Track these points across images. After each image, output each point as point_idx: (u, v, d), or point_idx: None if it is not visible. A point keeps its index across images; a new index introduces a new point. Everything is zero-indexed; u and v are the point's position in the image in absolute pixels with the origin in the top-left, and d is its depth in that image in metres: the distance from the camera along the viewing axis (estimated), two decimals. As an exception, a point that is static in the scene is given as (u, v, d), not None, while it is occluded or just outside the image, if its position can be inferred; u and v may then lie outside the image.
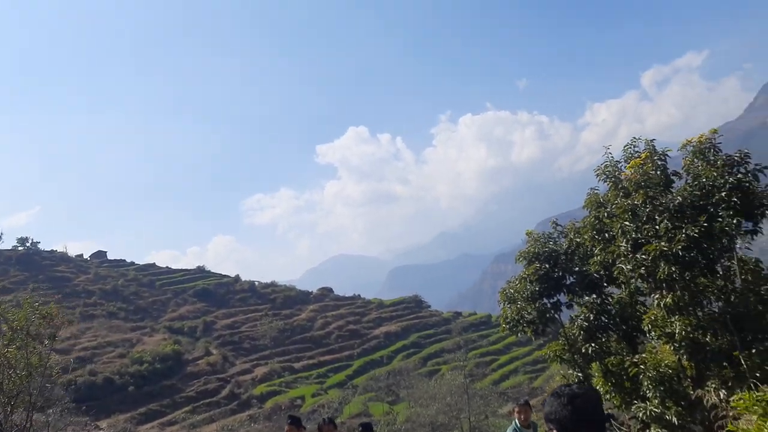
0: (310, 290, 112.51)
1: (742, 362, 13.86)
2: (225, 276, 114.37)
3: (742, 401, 9.32)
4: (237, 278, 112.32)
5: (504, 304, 17.81)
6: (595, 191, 17.28)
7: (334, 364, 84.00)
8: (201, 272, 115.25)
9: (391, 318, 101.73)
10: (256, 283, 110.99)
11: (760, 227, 15.91)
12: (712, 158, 15.43)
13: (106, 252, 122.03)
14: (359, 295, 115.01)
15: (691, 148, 15.82)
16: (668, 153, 16.12)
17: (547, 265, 17.19)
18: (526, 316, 17.16)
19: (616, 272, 15.14)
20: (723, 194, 14.92)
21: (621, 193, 15.73)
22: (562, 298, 17.71)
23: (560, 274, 17.33)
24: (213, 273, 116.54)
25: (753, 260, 16.00)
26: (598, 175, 16.65)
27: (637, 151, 16.40)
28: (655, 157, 15.79)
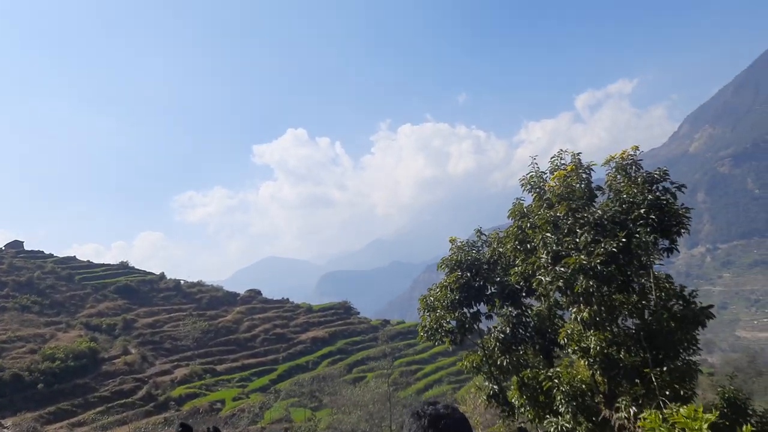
0: (238, 292, 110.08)
1: (653, 380, 13.87)
2: (149, 273, 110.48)
3: (648, 420, 9.11)
4: (162, 276, 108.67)
5: (423, 312, 17.39)
6: (521, 201, 17.13)
7: (258, 367, 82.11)
8: (124, 268, 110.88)
9: (319, 323, 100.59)
10: (182, 281, 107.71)
11: (675, 246, 16.08)
12: (634, 174, 15.51)
13: (22, 242, 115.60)
14: (288, 299, 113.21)
15: (615, 163, 15.86)
16: (593, 167, 16.10)
17: (468, 274, 16.88)
18: (445, 325, 16.80)
19: (535, 284, 14.93)
20: (642, 211, 14.98)
21: (545, 205, 15.59)
22: (483, 308, 17.45)
23: (482, 283, 17.06)
24: (137, 270, 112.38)
25: (665, 277, 16.14)
26: (523, 186, 16.48)
27: (564, 164, 16.33)
28: (580, 170, 15.74)
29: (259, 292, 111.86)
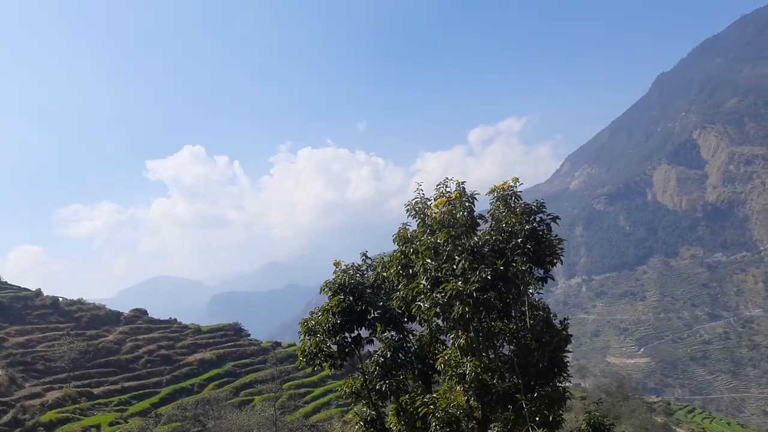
0: (122, 311, 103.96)
1: (524, 405, 14.27)
2: (24, 289, 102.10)
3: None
4: (38, 292, 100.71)
5: (303, 336, 17.04)
6: (407, 227, 17.27)
7: (139, 390, 77.62)
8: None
9: (207, 345, 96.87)
10: (61, 299, 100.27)
11: (550, 275, 16.78)
12: (513, 205, 16.08)
13: None
14: (176, 319, 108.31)
15: (497, 193, 16.38)
16: (476, 196, 16.51)
17: (351, 298, 16.74)
18: (325, 349, 16.53)
19: (414, 309, 15.03)
20: (519, 240, 15.52)
21: (427, 231, 15.79)
22: (365, 332, 17.34)
23: (364, 307, 16.97)
24: (10, 285, 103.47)
25: (542, 305, 16.76)
26: (408, 211, 16.63)
27: (448, 191, 16.65)
28: (464, 199, 16.08)
29: (144, 312, 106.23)
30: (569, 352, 16.14)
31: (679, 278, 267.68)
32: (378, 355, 16.43)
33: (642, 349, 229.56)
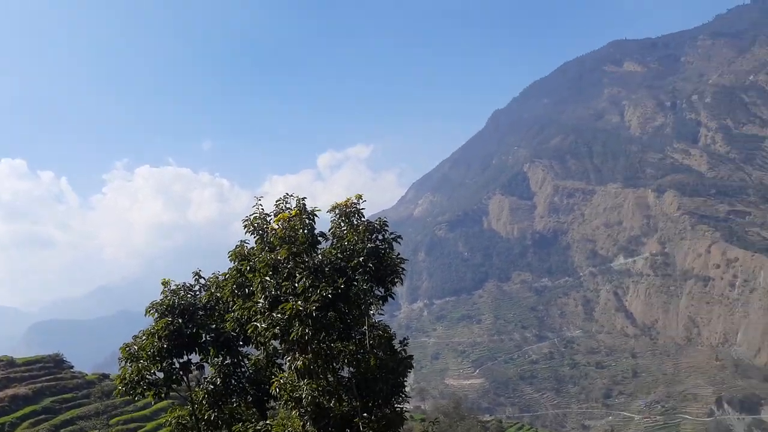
0: None
1: (361, 428, 13.82)
2: None
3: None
4: None
5: (124, 363, 15.36)
6: (245, 243, 16.34)
7: (-73, 436, 67.28)
8: None
9: (22, 379, 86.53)
10: None
11: (391, 294, 16.61)
12: (356, 222, 15.76)
13: None
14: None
15: (339, 211, 15.97)
16: (317, 213, 16.01)
17: (180, 320, 15.41)
18: (149, 376, 14.99)
19: (250, 331, 14.09)
20: (361, 259, 15.19)
21: (267, 247, 14.99)
22: (195, 357, 16.03)
23: (195, 330, 15.69)
24: None
25: (382, 326, 16.52)
26: (246, 227, 15.72)
27: (289, 208, 16.00)
28: (304, 215, 15.50)
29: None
30: (408, 372, 16.02)
31: (511, 302, 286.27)
32: (208, 381, 15.19)
33: (477, 371, 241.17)
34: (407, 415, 16.97)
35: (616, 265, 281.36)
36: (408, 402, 16.90)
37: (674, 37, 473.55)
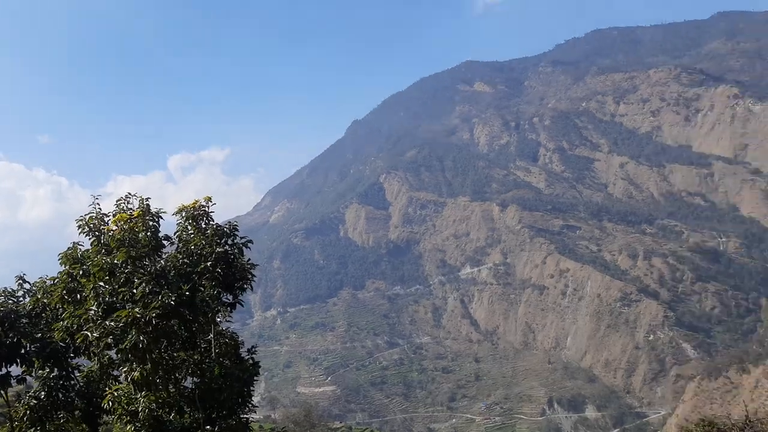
0: None
1: (203, 441, 13.23)
2: None
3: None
4: None
5: (-73, 378, 13.54)
6: (79, 245, 15.06)
7: None
8: None
9: None
10: None
11: (240, 301, 16.13)
12: (204, 226, 15.15)
13: None
14: None
15: (186, 213, 15.27)
16: (163, 215, 15.18)
17: (0, 329, 13.87)
18: (-44, 393, 13.34)
19: (80, 340, 12.99)
20: (209, 264, 14.62)
21: (103, 250, 13.93)
22: (16, 369, 14.50)
23: (17, 340, 14.19)
24: None
25: (230, 334, 16.00)
26: (80, 227, 14.51)
27: (131, 209, 15.02)
28: (148, 217, 14.62)
29: None
30: (255, 381, 15.61)
31: (365, 309, 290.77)
32: (30, 396, 13.79)
33: (329, 378, 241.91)
34: (256, 425, 16.56)
35: (463, 274, 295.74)
36: (255, 411, 16.47)
37: (519, 62, 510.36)
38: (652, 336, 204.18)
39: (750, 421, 26.46)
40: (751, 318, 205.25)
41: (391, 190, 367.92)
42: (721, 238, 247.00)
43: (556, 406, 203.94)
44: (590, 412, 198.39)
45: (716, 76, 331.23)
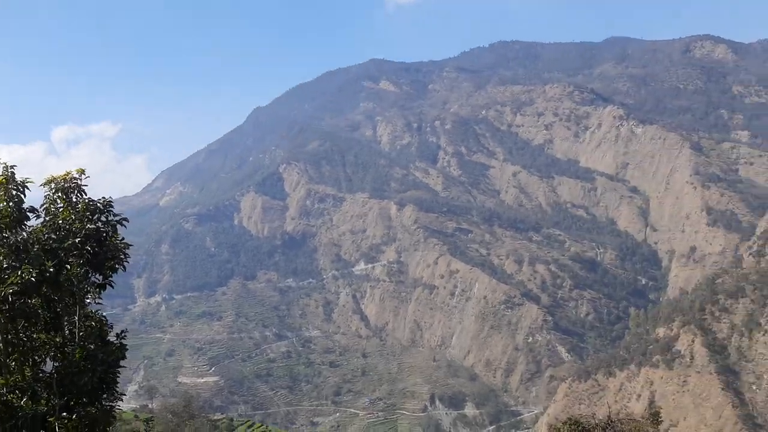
0: None
1: (57, 428, 12.38)
2: None
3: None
4: None
5: None
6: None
7: None
8: None
9: None
10: None
11: (111, 282, 15.24)
12: (75, 200, 14.18)
13: None
14: None
15: (55, 185, 14.22)
16: (29, 185, 14.05)
17: None
18: None
19: None
20: (78, 240, 13.70)
21: (-44, 220, 12.72)
22: None
23: None
24: None
25: (98, 317, 15.08)
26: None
27: (-8, 176, 13.79)
28: (11, 186, 13.49)
29: None
30: (122, 367, 14.82)
31: (255, 300, 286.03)
32: None
33: (213, 368, 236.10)
34: (130, 414, 15.72)
35: (358, 270, 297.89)
36: (121, 399, 15.64)
37: (426, 64, 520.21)
38: (531, 338, 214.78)
39: (611, 421, 28.58)
40: (620, 325, 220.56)
41: (290, 181, 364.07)
42: (599, 249, 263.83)
43: (437, 402, 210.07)
44: (469, 410, 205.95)
45: (605, 96, 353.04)
